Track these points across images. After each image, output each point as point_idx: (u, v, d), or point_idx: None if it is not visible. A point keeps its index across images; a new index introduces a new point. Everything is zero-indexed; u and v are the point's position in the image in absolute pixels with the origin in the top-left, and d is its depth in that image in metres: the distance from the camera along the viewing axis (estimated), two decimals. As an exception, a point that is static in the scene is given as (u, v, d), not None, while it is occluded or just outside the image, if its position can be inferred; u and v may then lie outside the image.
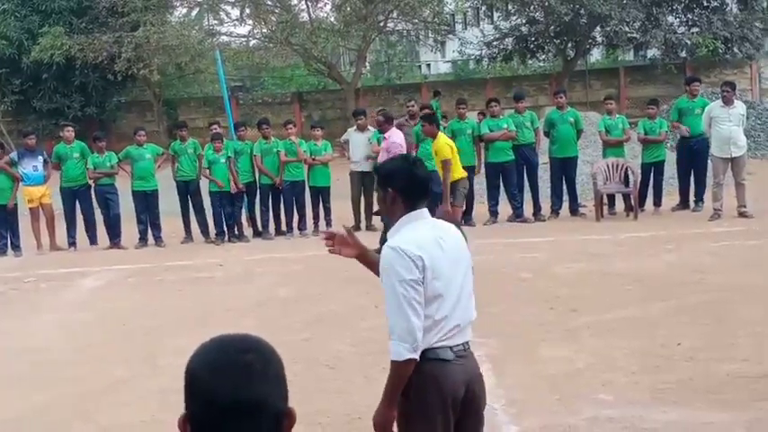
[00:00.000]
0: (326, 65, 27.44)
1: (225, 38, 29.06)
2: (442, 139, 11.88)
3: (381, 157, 12.44)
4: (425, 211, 3.89)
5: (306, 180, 14.72)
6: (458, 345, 3.79)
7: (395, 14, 27.16)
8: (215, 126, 15.45)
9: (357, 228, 13.95)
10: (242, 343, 1.93)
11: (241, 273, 11.98)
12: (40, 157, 14.71)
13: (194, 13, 31.59)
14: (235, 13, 28.96)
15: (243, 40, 28.58)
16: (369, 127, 14.84)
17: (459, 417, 3.80)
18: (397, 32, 31.81)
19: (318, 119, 24.15)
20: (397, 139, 12.86)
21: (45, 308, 10.54)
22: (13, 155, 14.89)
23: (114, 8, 26.09)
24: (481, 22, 35.02)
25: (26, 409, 6.71)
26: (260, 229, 14.78)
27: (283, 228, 14.69)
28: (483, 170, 15.01)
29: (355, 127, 15.05)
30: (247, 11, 27.38)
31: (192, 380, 1.89)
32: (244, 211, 14.85)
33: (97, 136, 15.21)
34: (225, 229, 14.53)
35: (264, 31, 26.97)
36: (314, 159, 14.65)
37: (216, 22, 30.64)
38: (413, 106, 15.86)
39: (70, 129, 15.13)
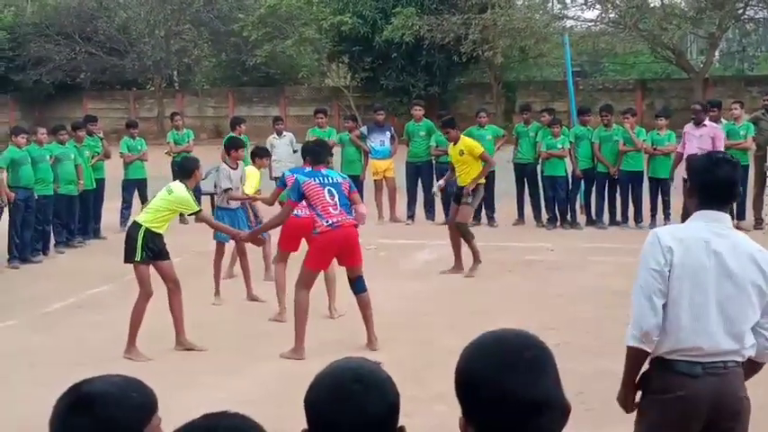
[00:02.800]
0: (675, 52, 26.28)
1: (570, 22, 28.76)
2: (468, 140, 11.38)
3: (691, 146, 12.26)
4: (722, 215, 3.72)
5: (645, 171, 14.19)
6: (710, 362, 3.64)
7: (754, 1, 25.40)
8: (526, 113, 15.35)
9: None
10: (521, 339, 1.91)
11: (571, 259, 11.83)
12: (388, 133, 15.43)
13: (540, -4, 31.57)
14: (582, -3, 28.62)
15: (588, 24, 28.08)
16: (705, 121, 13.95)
17: None
18: (755, 21, 29.69)
19: (662, 108, 23.22)
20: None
21: (383, 275, 11.02)
22: (363, 129, 15.76)
23: (465, -10, 26.75)
24: None
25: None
26: (593, 217, 14.50)
27: (618, 218, 14.29)
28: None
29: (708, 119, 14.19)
30: (595, -5, 26.91)
31: (476, 381, 1.88)
32: (579, 197, 14.64)
33: (440, 115, 15.67)
34: (557, 214, 14.42)
35: (612, 15, 26.34)
36: (655, 149, 14.07)
37: (560, 6, 30.44)
38: (768, 100, 14.70)
39: (419, 107, 15.68)
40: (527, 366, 1.84)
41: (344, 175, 8.51)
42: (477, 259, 10.99)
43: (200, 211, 8.08)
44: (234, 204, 10.01)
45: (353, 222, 7.96)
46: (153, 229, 7.90)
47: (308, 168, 8.23)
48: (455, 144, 11.10)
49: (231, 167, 10.10)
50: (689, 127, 12.83)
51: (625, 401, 3.87)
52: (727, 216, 3.75)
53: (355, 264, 8.04)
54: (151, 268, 8.07)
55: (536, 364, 1.86)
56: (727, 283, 3.60)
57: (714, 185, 3.71)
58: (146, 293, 7.89)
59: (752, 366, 3.82)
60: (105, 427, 1.93)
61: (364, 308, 8.06)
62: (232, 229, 8.94)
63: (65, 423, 1.95)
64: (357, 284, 8.07)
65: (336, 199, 7.84)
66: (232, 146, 10.32)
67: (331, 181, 7.95)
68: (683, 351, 3.65)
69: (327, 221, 7.76)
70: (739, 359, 3.68)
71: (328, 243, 7.86)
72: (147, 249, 7.87)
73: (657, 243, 3.65)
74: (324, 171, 8.08)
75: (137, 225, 7.97)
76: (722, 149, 12.04)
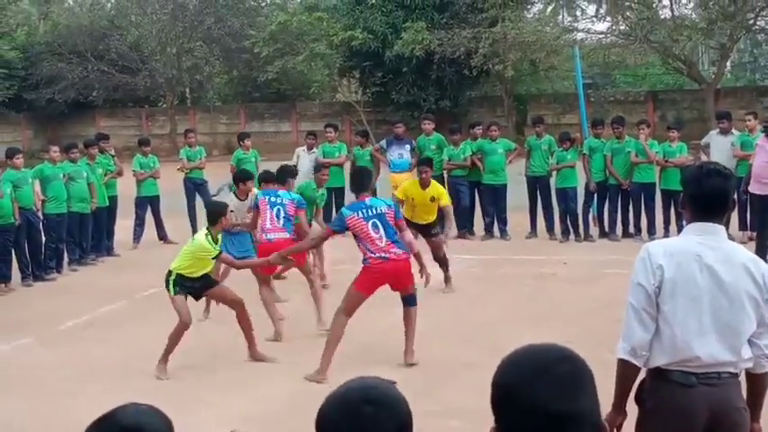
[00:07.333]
0: (686, 63, 26.22)
1: (581, 34, 28.74)
2: (440, 188, 11.16)
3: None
4: (714, 227, 3.67)
5: (657, 182, 14.13)
6: (704, 373, 3.62)
7: (765, 12, 25.34)
8: (538, 126, 15.19)
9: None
10: (556, 353, 1.90)
11: (585, 272, 11.77)
12: (407, 146, 15.36)
13: (550, 8, 31.61)
14: (591, 9, 28.62)
15: (599, 36, 28.07)
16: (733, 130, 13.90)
17: None
18: (766, 31, 29.62)
19: (674, 120, 23.17)
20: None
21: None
22: (383, 142, 15.76)
23: (475, 4, 26.79)
24: None
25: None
26: (606, 229, 14.44)
27: (631, 230, 14.23)
28: None
29: (718, 130, 14.16)
30: (605, 7, 26.89)
31: (508, 392, 1.86)
32: (591, 210, 14.58)
33: (453, 129, 15.64)
34: (569, 226, 14.37)
35: (623, 27, 26.31)
36: (666, 161, 14.00)
37: (571, 18, 30.45)
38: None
39: (428, 121, 15.67)
40: (560, 379, 1.82)
41: (389, 202, 8.22)
42: (448, 281, 11.12)
43: (220, 252, 8.15)
44: (236, 228, 9.86)
45: (406, 256, 7.85)
46: (185, 274, 8.03)
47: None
48: (424, 188, 10.83)
49: (240, 199, 10.04)
50: (762, 140, 11.94)
51: (611, 420, 3.78)
52: (721, 227, 3.71)
53: (407, 291, 8.04)
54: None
55: (570, 378, 1.84)
56: (721, 295, 3.59)
57: (704, 197, 3.68)
58: (183, 323, 7.97)
59: (756, 381, 3.76)
60: None
61: (408, 321, 8.05)
62: (259, 261, 8.88)
63: None
64: (408, 299, 8.09)
65: (382, 232, 7.68)
66: (239, 178, 10.26)
67: (375, 212, 7.72)
68: (679, 363, 3.65)
69: (376, 254, 7.66)
70: (734, 370, 3.66)
71: (378, 274, 7.76)
72: (181, 287, 8.01)
73: (648, 260, 3.66)
74: (368, 201, 7.85)
75: (169, 271, 8.09)
76: None
